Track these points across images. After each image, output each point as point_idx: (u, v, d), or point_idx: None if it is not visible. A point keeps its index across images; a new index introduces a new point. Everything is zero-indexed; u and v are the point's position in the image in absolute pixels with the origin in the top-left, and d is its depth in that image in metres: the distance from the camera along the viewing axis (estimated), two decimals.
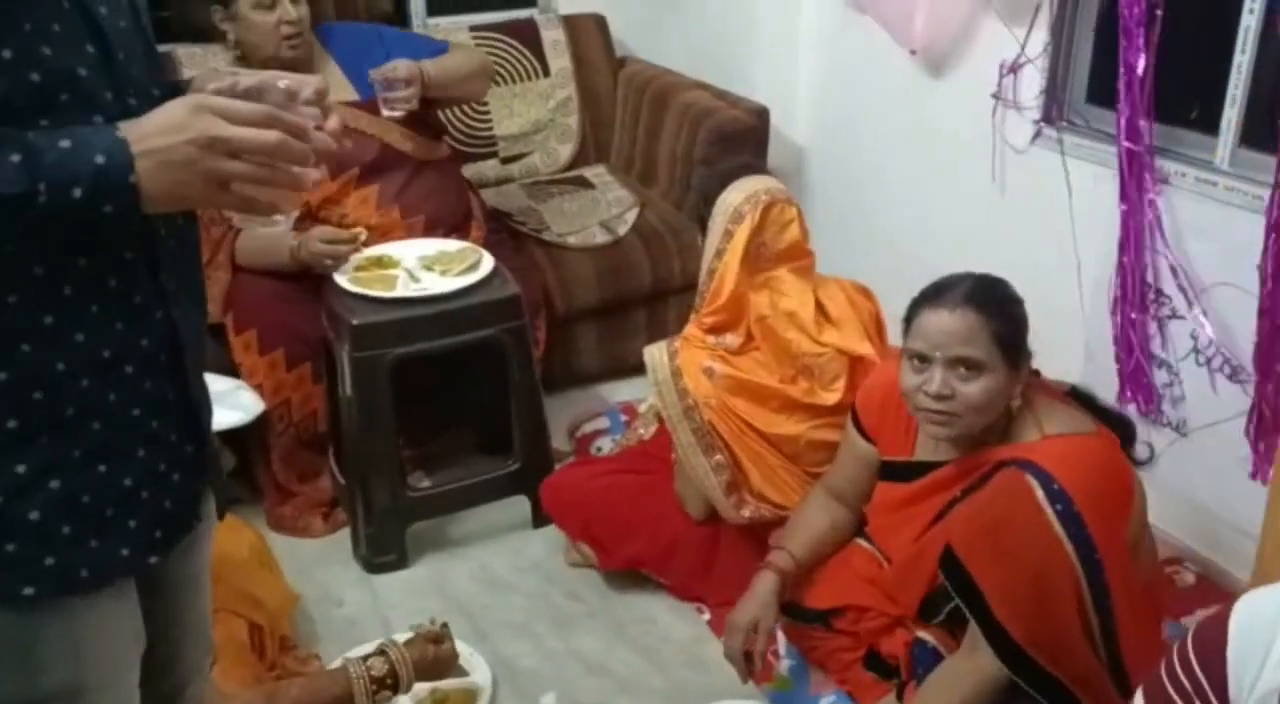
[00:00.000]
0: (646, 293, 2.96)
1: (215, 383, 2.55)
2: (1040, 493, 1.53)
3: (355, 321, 2.17)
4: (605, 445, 2.71)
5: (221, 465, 2.47)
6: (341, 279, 2.29)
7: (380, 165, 2.46)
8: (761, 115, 2.94)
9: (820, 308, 2.09)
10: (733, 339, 2.06)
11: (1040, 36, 2.28)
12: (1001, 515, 1.57)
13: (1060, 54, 2.28)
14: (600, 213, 3.04)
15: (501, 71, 3.20)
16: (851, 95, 2.97)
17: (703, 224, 2.19)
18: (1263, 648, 1.12)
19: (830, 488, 1.92)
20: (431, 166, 2.56)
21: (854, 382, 2.04)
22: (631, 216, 3.02)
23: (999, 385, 1.59)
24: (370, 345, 2.19)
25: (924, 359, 1.62)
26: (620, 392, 3.02)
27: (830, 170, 3.12)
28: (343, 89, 2.51)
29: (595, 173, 3.31)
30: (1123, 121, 2.10)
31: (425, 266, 2.36)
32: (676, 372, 2.03)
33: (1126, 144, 2.07)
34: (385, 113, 2.38)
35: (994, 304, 1.61)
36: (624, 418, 2.82)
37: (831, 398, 2.03)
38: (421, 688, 1.83)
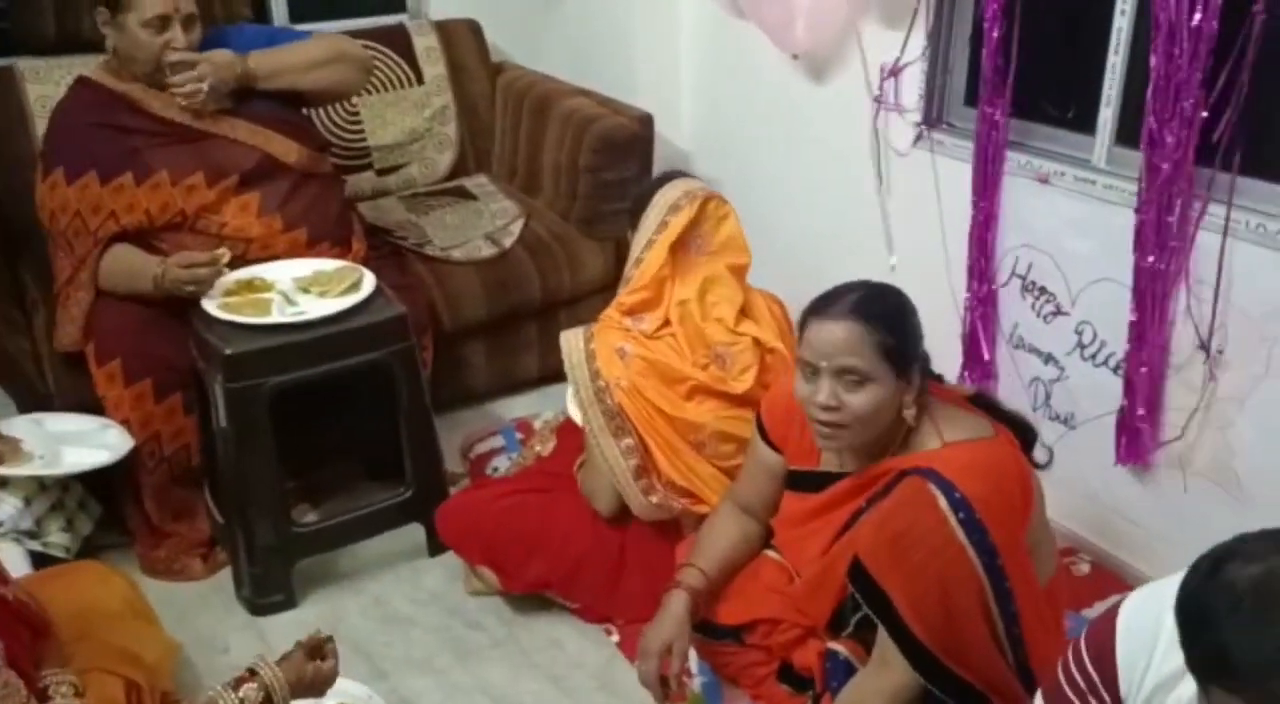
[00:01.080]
0: (536, 306, 2.88)
1: (78, 423, 2.42)
2: (943, 501, 1.53)
3: (228, 351, 2.04)
4: (501, 465, 2.63)
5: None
6: (210, 306, 2.15)
7: (260, 173, 2.34)
8: (645, 122, 2.90)
9: (741, 307, 2.13)
10: (650, 322, 2.07)
11: (919, 40, 2.30)
12: (906, 525, 1.56)
13: (938, 56, 2.30)
14: (484, 225, 2.96)
15: (373, 80, 3.08)
16: (735, 101, 2.95)
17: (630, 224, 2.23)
18: (1148, 645, 1.16)
19: (738, 500, 1.89)
20: (315, 179, 2.44)
21: (763, 377, 2.04)
22: (517, 228, 2.94)
23: (886, 395, 1.59)
24: (245, 376, 2.06)
25: (813, 369, 1.60)
26: (513, 408, 2.94)
27: (716, 177, 3.09)
28: None
29: (476, 183, 3.22)
30: (980, 115, 2.15)
31: (301, 289, 2.24)
32: (590, 354, 2.04)
33: (982, 136, 2.12)
34: (180, 103, 2.27)
35: (880, 315, 1.59)
36: (519, 435, 2.74)
37: (740, 387, 2.03)
38: None
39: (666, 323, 2.08)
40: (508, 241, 2.89)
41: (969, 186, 2.24)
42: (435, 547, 2.35)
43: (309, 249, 2.37)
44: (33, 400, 2.38)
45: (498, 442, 2.73)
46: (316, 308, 2.17)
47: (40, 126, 2.68)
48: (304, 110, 2.52)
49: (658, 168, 2.95)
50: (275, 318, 2.11)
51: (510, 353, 2.93)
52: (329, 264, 2.32)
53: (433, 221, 2.97)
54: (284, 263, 2.32)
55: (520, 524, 2.11)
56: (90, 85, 2.33)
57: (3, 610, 1.51)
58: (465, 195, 3.13)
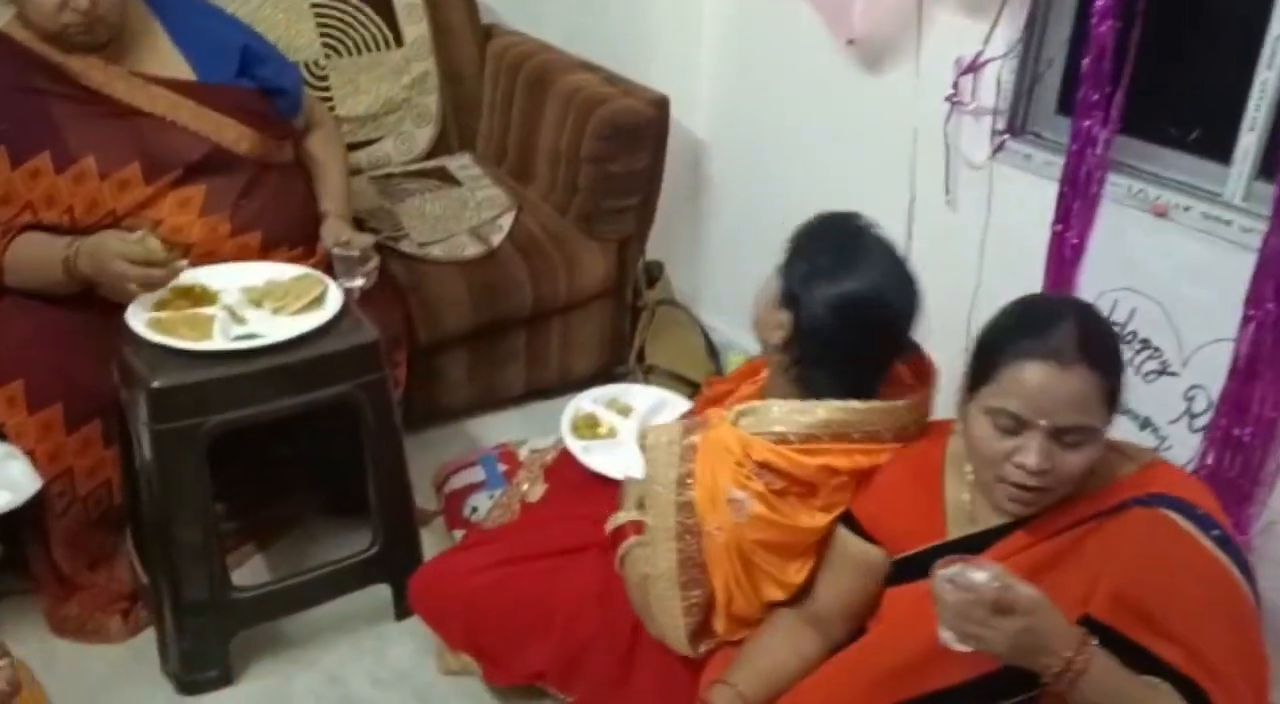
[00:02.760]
0: (526, 314, 2.49)
1: None
2: (1189, 525, 1.26)
3: (156, 383, 1.64)
4: (481, 505, 2.24)
5: None
6: (137, 321, 1.74)
7: (208, 166, 1.92)
8: (661, 106, 2.50)
9: None
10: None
11: (1007, 32, 1.93)
12: (1160, 562, 1.25)
13: (1030, 53, 1.93)
14: (469, 217, 2.55)
15: (345, 39, 2.65)
16: (765, 87, 2.56)
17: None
18: None
19: (810, 614, 1.52)
20: (273, 170, 2.02)
21: None
22: (507, 222, 2.54)
23: (1100, 446, 1.28)
24: (176, 414, 1.66)
25: (1018, 422, 1.25)
26: (493, 429, 2.56)
27: (736, 170, 2.72)
28: (170, 63, 1.96)
29: (460, 164, 2.81)
30: (1076, 128, 1.80)
31: (252, 302, 1.83)
32: (685, 480, 1.50)
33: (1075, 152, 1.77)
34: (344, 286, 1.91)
35: (1106, 353, 1.27)
36: (502, 467, 2.35)
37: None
38: None
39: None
40: (496, 238, 2.49)
41: (1053, 211, 1.88)
42: (403, 609, 1.98)
43: (262, 254, 1.96)
44: None
45: (476, 474, 2.34)
46: (270, 328, 1.77)
47: None
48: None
49: (671, 161, 2.56)
50: (218, 342, 1.71)
51: (493, 365, 2.55)
52: (286, 271, 1.91)
53: (409, 210, 2.55)
54: (232, 267, 1.90)
55: (513, 604, 1.74)
56: (3, 39, 1.88)
57: None
58: (447, 179, 2.71)
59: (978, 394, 1.32)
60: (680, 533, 1.53)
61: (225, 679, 1.84)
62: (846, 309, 1.48)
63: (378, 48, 2.71)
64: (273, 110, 2.04)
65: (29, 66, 1.85)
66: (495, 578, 1.78)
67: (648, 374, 2.60)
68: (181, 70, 1.95)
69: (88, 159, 1.83)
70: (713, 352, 2.72)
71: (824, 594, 1.51)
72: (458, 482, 2.33)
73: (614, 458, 1.97)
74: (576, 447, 2.04)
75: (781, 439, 1.44)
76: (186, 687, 1.83)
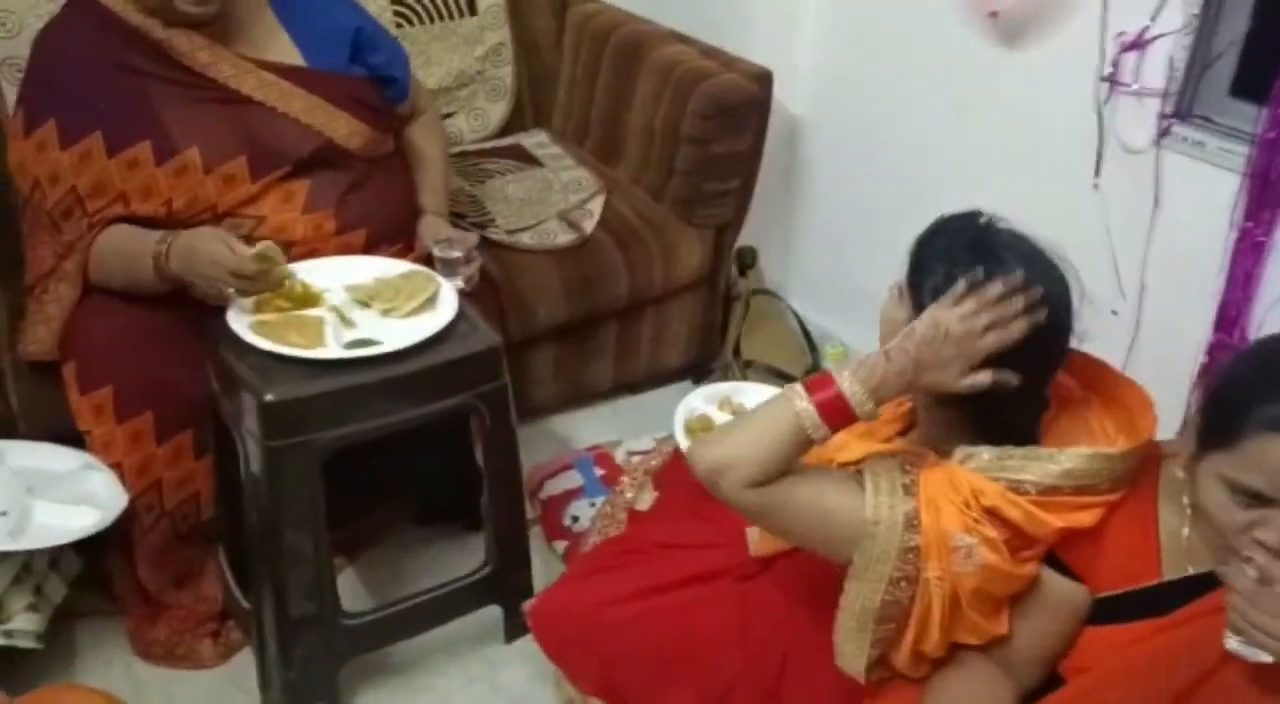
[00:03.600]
0: (621, 305, 2.33)
1: (52, 458, 1.72)
2: None
3: (269, 396, 1.48)
4: (582, 513, 2.10)
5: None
6: (239, 325, 1.58)
7: (316, 161, 1.75)
8: (764, 81, 2.33)
9: None
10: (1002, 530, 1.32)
11: (1178, 7, 1.75)
12: None
13: (1206, 30, 1.76)
14: (556, 201, 2.39)
15: (417, 7, 2.47)
16: (877, 59, 2.38)
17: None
18: None
19: (1004, 658, 1.37)
20: (380, 166, 1.85)
21: None
22: (596, 207, 2.37)
23: None
24: (291, 429, 1.51)
25: (1264, 500, 1.11)
26: (582, 427, 2.42)
27: (836, 150, 2.55)
28: (278, 46, 1.78)
29: (536, 142, 2.64)
30: (1273, 114, 1.63)
31: (359, 302, 1.67)
32: (910, 521, 1.26)
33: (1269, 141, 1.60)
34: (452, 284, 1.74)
35: None
36: (599, 472, 2.21)
37: None
38: None
39: None
40: (588, 225, 2.32)
41: (1231, 203, 1.73)
42: (513, 631, 1.84)
43: (365, 253, 1.79)
44: None
45: (573, 479, 2.20)
46: (384, 333, 1.61)
47: (1, 47, 2.05)
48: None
49: (770, 140, 2.39)
50: (333, 350, 1.55)
51: (582, 361, 2.39)
52: (393, 267, 1.75)
53: (492, 193, 2.39)
54: (333, 262, 1.74)
55: (652, 644, 1.58)
56: (94, 7, 1.69)
57: None
58: (527, 159, 2.54)
59: (1212, 457, 1.16)
60: (896, 580, 1.32)
61: None
62: None
63: (450, 16, 2.53)
64: (382, 100, 1.87)
65: (128, 42, 1.67)
66: (630, 614, 1.63)
67: (746, 368, 2.44)
68: (290, 55, 1.77)
69: (192, 150, 1.66)
70: (810, 344, 2.56)
71: (1022, 640, 1.36)
72: (553, 487, 2.19)
73: None
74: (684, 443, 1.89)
75: (1016, 487, 1.27)
76: None
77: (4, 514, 1.64)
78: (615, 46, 2.50)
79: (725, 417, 2.00)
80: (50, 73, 1.68)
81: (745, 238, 2.56)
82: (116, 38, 1.67)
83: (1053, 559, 1.34)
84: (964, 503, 1.27)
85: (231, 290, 1.59)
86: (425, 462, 2.00)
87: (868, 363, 1.26)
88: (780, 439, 1.25)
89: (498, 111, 2.64)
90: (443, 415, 1.63)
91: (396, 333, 1.61)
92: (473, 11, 2.55)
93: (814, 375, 1.29)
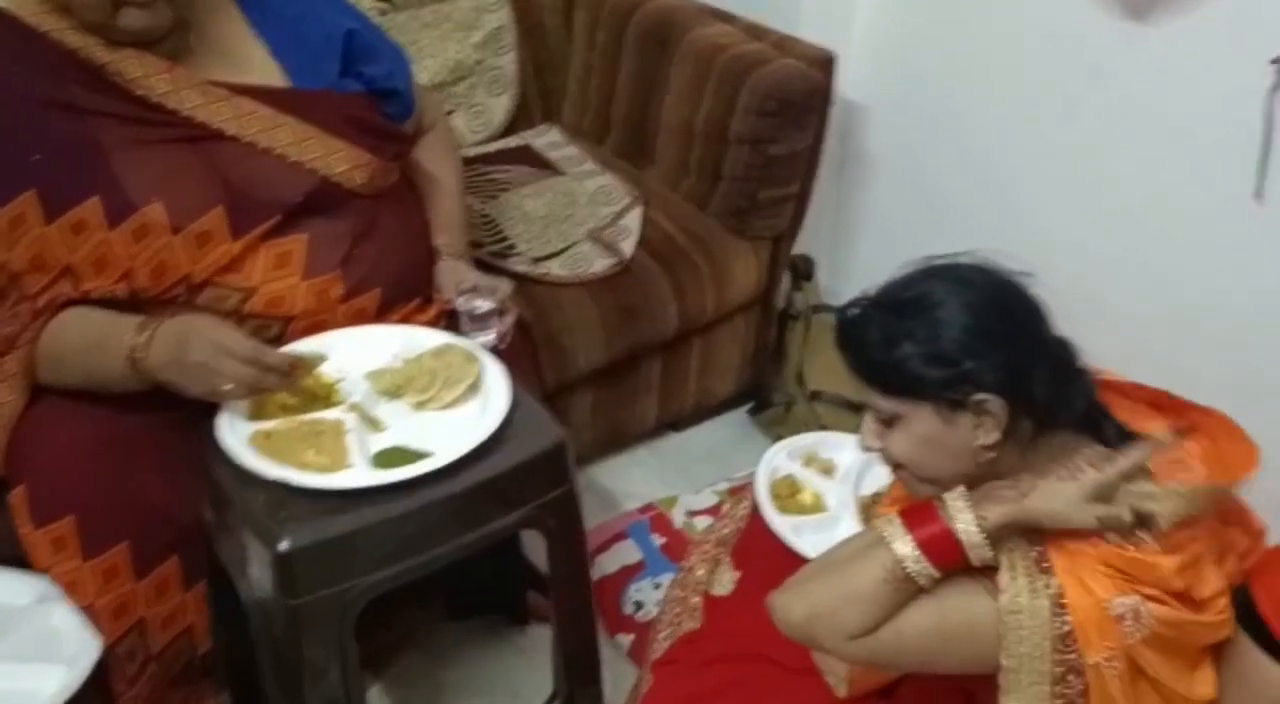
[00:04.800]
0: (669, 338, 1.99)
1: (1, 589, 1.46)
2: None
3: (284, 545, 1.13)
4: (648, 599, 1.78)
5: None
6: (235, 439, 1.22)
7: (312, 208, 1.37)
8: (826, 66, 1.97)
9: None
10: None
11: None
12: None
13: None
14: (584, 216, 2.03)
15: None
16: (950, 35, 2.03)
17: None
18: None
19: None
20: (387, 203, 1.47)
21: None
22: (634, 222, 2.01)
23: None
24: (318, 583, 1.16)
25: None
26: (624, 475, 2.10)
27: (897, 142, 2.20)
28: (255, 63, 1.41)
29: (548, 141, 2.26)
30: None
31: (385, 393, 1.32)
32: (1057, 602, 1.06)
33: None
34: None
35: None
36: (659, 540, 1.89)
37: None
38: None
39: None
40: (626, 245, 1.97)
41: None
42: None
43: (380, 317, 1.43)
44: None
45: (629, 552, 1.88)
46: (421, 435, 1.26)
47: None
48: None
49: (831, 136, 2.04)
50: (362, 472, 1.19)
51: (623, 403, 2.05)
52: (420, 338, 1.39)
53: (507, 211, 2.02)
54: (343, 338, 1.38)
55: None
56: (14, 28, 1.30)
57: None
58: (541, 164, 2.17)
59: None
60: (1060, 676, 1.07)
61: None
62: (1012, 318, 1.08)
63: None
64: (384, 120, 1.48)
65: (62, 70, 1.28)
66: None
67: (814, 400, 2.12)
68: (270, 73, 1.39)
69: (154, 206, 1.28)
70: None
71: None
72: (608, 563, 1.86)
73: (831, 539, 1.51)
74: (783, 526, 1.59)
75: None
76: None
77: None
78: (640, 27, 2.12)
79: (813, 477, 1.69)
80: None
81: (797, 245, 2.22)
82: (48, 66, 1.28)
83: (1259, 631, 1.07)
84: (1103, 561, 1.04)
85: (229, 387, 1.23)
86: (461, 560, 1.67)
87: (993, 496, 1.06)
88: (879, 588, 1.06)
89: (501, 107, 2.27)
90: (503, 533, 1.29)
91: (437, 435, 1.26)
92: None
93: (915, 504, 1.10)
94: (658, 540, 1.89)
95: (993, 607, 1.06)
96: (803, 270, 2.22)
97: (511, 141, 2.26)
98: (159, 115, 1.32)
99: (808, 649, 1.38)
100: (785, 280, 2.21)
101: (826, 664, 1.36)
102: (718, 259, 1.99)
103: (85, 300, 1.30)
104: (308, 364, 1.29)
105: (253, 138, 1.36)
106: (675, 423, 2.19)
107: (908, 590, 1.07)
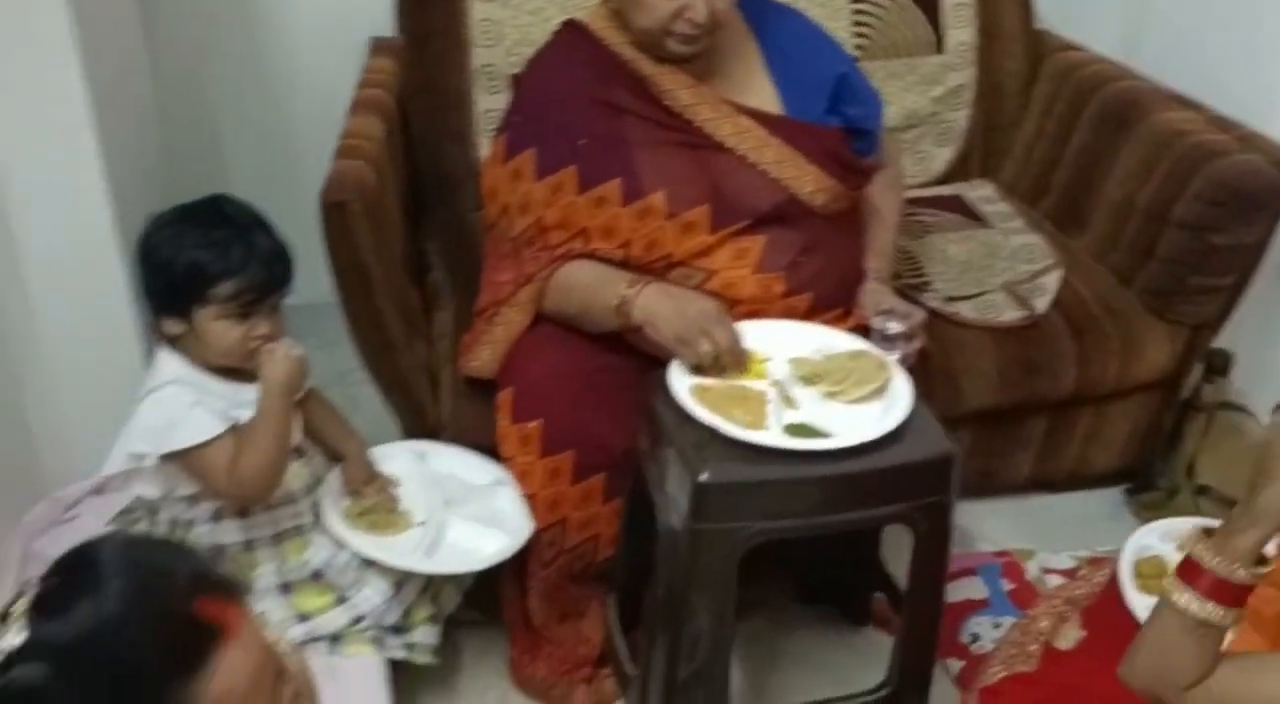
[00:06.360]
0: (1062, 399, 2.05)
1: (468, 467, 1.69)
2: None
3: (704, 476, 1.37)
4: (984, 633, 1.87)
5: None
6: (680, 386, 1.49)
7: (774, 217, 1.63)
8: None
9: None
10: None
11: None
12: None
13: None
14: (1002, 269, 2.14)
15: (882, 41, 2.31)
16: None
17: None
18: None
19: None
20: (834, 225, 1.71)
21: None
22: (1052, 283, 2.10)
23: None
24: (720, 516, 1.40)
25: None
26: (986, 522, 2.16)
27: None
28: (757, 89, 1.69)
29: (981, 195, 2.39)
30: None
31: (803, 378, 1.53)
32: None
33: None
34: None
35: None
36: (1007, 585, 1.96)
37: None
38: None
39: None
40: (1040, 302, 2.05)
41: None
42: None
43: (806, 317, 1.65)
44: (419, 425, 1.84)
45: (976, 588, 1.97)
46: (828, 419, 1.46)
47: (480, 55, 2.12)
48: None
49: None
50: (775, 436, 1.42)
51: (999, 451, 2.13)
52: (839, 341, 1.60)
53: (930, 251, 2.18)
54: (776, 327, 1.61)
55: None
56: (586, 37, 1.68)
57: None
58: (971, 215, 2.31)
59: None
60: None
61: None
62: None
63: (915, 52, 2.34)
64: (851, 155, 1.72)
65: (614, 76, 1.63)
66: None
67: (1199, 495, 2.08)
68: (769, 101, 1.67)
69: (657, 194, 1.59)
70: None
71: None
72: (953, 593, 1.95)
73: None
74: (1140, 604, 1.60)
75: None
76: None
77: (421, 525, 1.66)
78: (1101, 104, 2.20)
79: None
80: (537, 102, 1.67)
81: (1218, 339, 2.18)
82: (604, 71, 1.63)
83: None
84: None
85: (705, 350, 1.49)
86: (816, 539, 1.85)
87: (1222, 531, 1.09)
88: (1185, 639, 1.11)
89: (942, 157, 2.43)
90: (876, 523, 1.46)
91: (842, 422, 1.45)
92: (939, 49, 2.35)
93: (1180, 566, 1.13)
94: (1006, 585, 1.96)
95: None
96: (1218, 365, 2.18)
97: (945, 190, 2.41)
98: (677, 122, 1.63)
99: None
100: (1197, 371, 2.18)
101: None
102: (1130, 335, 2.02)
103: (589, 256, 1.64)
104: (752, 364, 1.54)
105: (744, 152, 1.63)
106: (1047, 484, 2.23)
107: (1210, 634, 1.10)
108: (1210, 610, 1.09)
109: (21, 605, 0.68)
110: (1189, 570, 1.12)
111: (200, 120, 2.44)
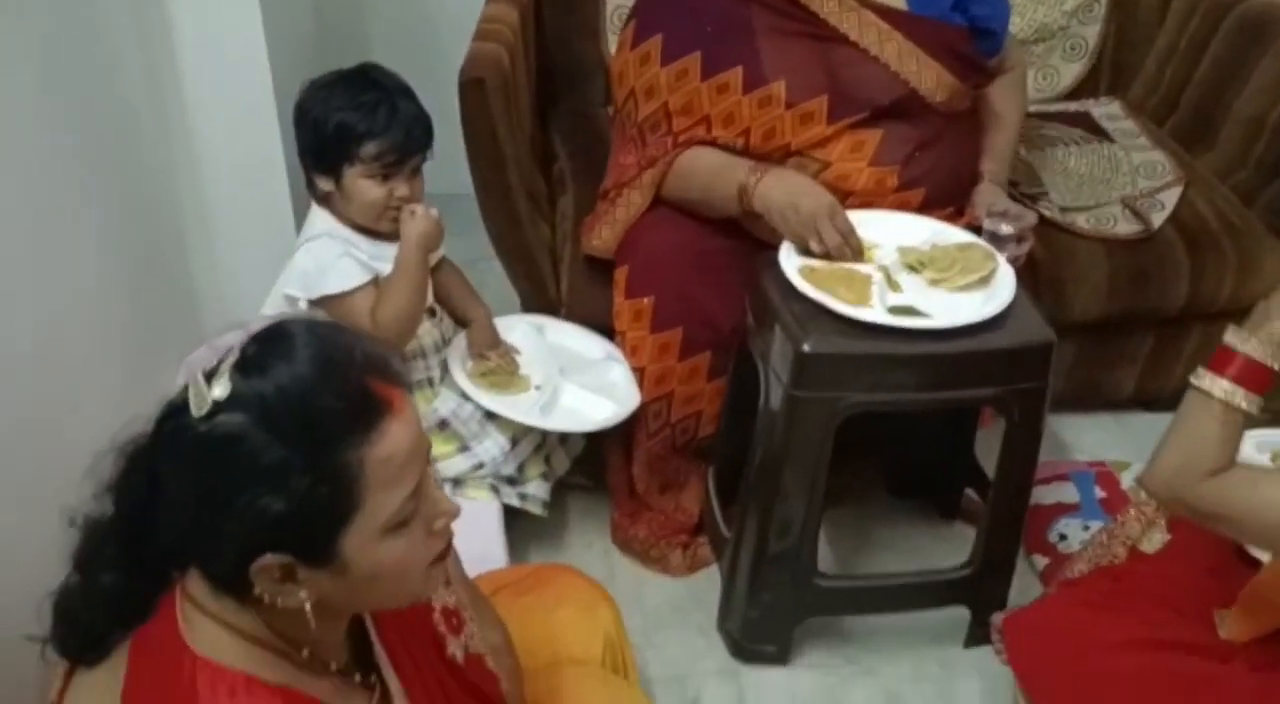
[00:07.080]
0: (1171, 314, 2.05)
1: (582, 342, 1.84)
2: None
3: (806, 347, 1.45)
4: (1072, 533, 1.91)
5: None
6: (789, 265, 1.56)
7: (893, 111, 1.67)
8: None
9: None
10: None
11: None
12: None
13: None
14: (1122, 184, 2.13)
15: None
16: None
17: None
18: None
19: None
20: (953, 123, 1.74)
21: None
22: (1171, 199, 2.08)
23: None
24: (820, 385, 1.48)
25: None
26: (1085, 434, 2.19)
27: None
28: None
29: (1107, 112, 2.37)
30: None
31: (909, 265, 1.59)
32: None
33: None
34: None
35: None
36: (1100, 493, 1.99)
37: None
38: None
39: None
40: (1156, 218, 2.05)
41: None
42: (975, 637, 1.73)
43: (917, 212, 1.70)
44: (540, 301, 1.96)
45: (1068, 492, 2.01)
46: (930, 305, 1.52)
47: None
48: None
49: None
50: (877, 313, 1.48)
51: (1103, 364, 2.15)
52: (949, 234, 1.64)
53: (1050, 164, 2.18)
54: (888, 217, 1.67)
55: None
56: None
57: (451, 681, 1.05)
58: (1095, 131, 2.30)
59: None
60: None
61: (780, 658, 1.71)
62: None
63: None
64: (975, 53, 1.74)
65: None
66: (1125, 667, 1.44)
67: None
68: None
69: (778, 83, 1.64)
70: None
71: None
72: (1045, 495, 2.00)
73: None
74: None
75: None
76: (742, 653, 1.71)
77: (538, 388, 1.78)
78: (1238, 19, 2.15)
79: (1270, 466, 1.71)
80: None
81: None
82: None
83: None
84: None
85: (818, 240, 1.56)
86: (911, 431, 1.92)
87: (1264, 328, 1.18)
88: (1213, 423, 1.19)
89: (1071, 72, 2.41)
90: (971, 403, 1.52)
91: (943, 307, 1.51)
92: None
93: (1212, 358, 1.22)
94: (1099, 493, 1.99)
95: None
96: None
97: (1071, 106, 2.39)
98: (802, 13, 1.67)
99: (1210, 614, 1.47)
100: None
101: (1218, 616, 1.44)
102: (1248, 252, 2.01)
103: (710, 143, 1.71)
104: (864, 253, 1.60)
105: (866, 45, 1.67)
106: (1150, 401, 2.24)
107: (1234, 420, 1.18)
108: (1238, 394, 1.17)
109: (227, 365, 0.80)
110: (1220, 361, 1.21)
111: (348, 2, 2.57)
